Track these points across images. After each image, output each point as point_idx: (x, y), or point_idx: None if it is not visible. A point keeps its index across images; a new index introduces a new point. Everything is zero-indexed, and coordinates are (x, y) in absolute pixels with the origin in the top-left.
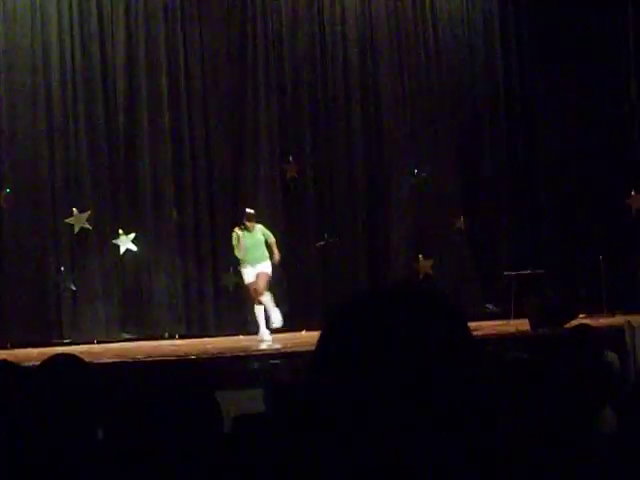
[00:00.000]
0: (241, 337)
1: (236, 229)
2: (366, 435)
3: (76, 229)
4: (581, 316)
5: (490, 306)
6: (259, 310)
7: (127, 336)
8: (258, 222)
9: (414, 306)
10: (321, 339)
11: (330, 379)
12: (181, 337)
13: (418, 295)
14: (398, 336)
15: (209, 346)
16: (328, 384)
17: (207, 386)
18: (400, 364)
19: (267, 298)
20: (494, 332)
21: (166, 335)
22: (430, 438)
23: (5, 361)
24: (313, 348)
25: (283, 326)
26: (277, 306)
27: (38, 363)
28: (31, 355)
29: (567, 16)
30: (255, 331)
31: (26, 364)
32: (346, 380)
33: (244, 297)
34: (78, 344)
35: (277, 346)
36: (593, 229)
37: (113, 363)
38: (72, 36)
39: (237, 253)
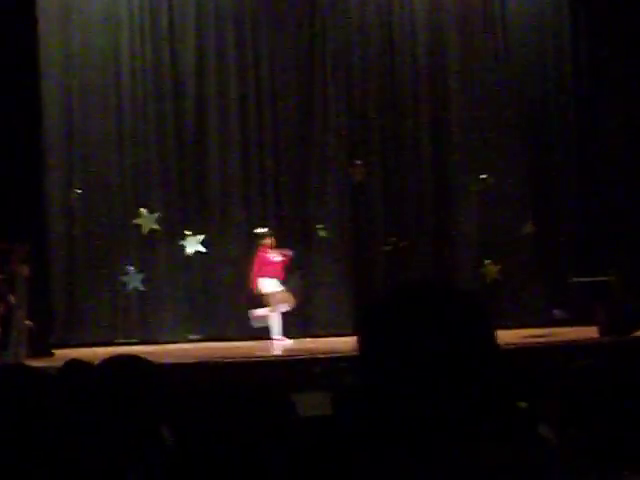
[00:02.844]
0: (307, 340)
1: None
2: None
3: (145, 230)
4: None
5: (558, 312)
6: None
7: (193, 337)
8: None
9: (437, 302)
10: (361, 341)
11: (378, 376)
12: (247, 339)
13: (440, 292)
14: (428, 329)
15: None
16: (377, 381)
17: (282, 388)
18: (432, 353)
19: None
20: (561, 339)
21: (231, 336)
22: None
23: (76, 360)
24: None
25: (349, 328)
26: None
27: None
28: (97, 354)
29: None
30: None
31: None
32: (393, 374)
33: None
34: (144, 344)
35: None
36: None
37: (183, 364)
38: (143, 38)
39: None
